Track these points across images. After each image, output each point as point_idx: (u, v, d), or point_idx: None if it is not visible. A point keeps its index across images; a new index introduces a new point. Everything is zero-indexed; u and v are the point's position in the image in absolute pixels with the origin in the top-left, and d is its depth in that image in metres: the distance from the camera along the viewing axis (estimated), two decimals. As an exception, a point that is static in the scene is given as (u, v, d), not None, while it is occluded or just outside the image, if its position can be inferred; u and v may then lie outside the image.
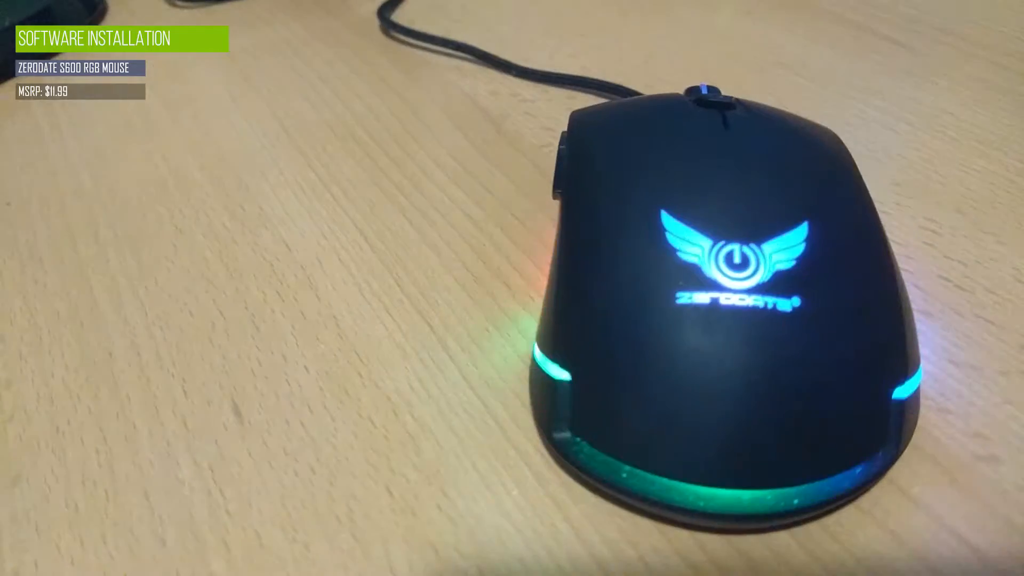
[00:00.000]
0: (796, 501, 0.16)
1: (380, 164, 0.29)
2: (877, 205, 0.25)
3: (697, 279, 0.17)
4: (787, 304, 0.16)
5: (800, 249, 0.17)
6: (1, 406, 0.20)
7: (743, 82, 0.33)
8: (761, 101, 0.29)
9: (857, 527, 0.17)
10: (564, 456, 0.18)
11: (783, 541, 0.17)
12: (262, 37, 0.39)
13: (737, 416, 0.16)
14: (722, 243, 0.17)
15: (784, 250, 0.17)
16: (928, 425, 0.19)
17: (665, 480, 0.16)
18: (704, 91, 0.23)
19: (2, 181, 0.29)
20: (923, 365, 0.20)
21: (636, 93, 0.32)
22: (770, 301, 0.16)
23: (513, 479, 0.18)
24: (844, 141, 0.23)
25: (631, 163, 0.19)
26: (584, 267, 0.18)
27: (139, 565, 0.17)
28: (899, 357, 0.17)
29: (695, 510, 0.16)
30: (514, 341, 0.21)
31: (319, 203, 0.27)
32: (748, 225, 0.17)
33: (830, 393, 0.16)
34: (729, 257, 0.17)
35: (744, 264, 0.17)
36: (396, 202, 0.27)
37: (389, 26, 0.39)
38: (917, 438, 0.19)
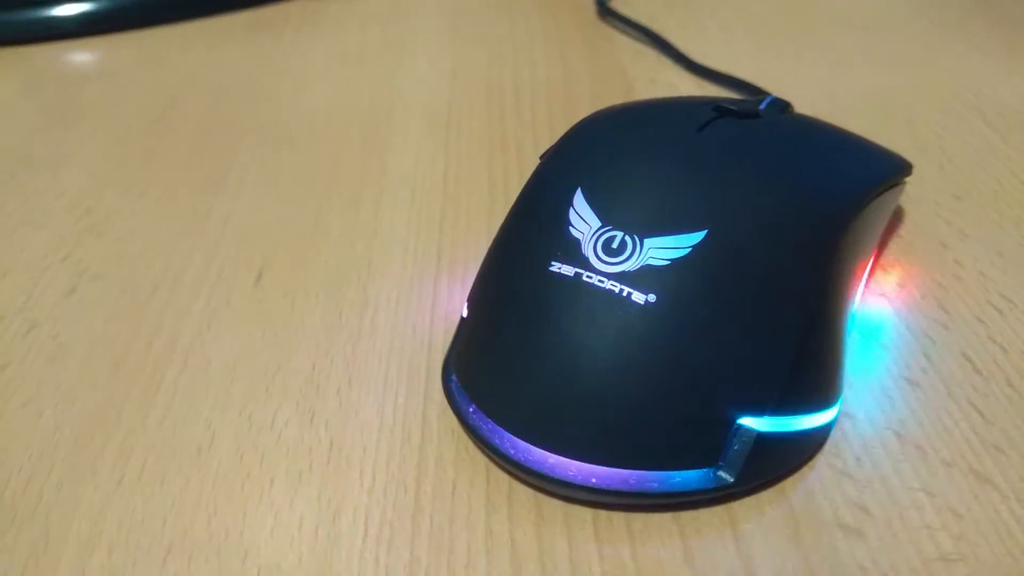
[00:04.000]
0: (594, 480, 0.17)
1: (505, 121, 0.32)
2: (957, 270, 0.23)
3: (572, 253, 0.18)
4: (641, 297, 0.17)
5: (682, 252, 0.17)
6: (110, 228, 0.27)
7: (915, 117, 0.31)
8: (917, 141, 0.28)
9: (658, 534, 0.17)
10: (442, 383, 0.20)
11: (581, 516, 0.17)
12: (490, -2, 0.43)
13: (563, 383, 0.17)
14: (609, 228, 0.18)
15: (665, 249, 0.17)
16: (812, 477, 0.18)
17: (494, 424, 0.18)
18: (767, 101, 0.23)
19: (233, 79, 0.37)
20: (862, 428, 0.19)
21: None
22: (626, 290, 0.17)
23: (407, 390, 0.21)
24: (982, 206, 0.24)
25: (587, 147, 0.20)
26: (507, 223, 0.20)
27: (125, 356, 0.22)
28: (764, 389, 0.17)
29: (507, 457, 0.17)
30: (494, 288, 0.23)
31: (431, 142, 0.31)
32: (644, 219, 0.18)
33: (656, 392, 0.17)
34: (608, 241, 0.17)
35: (619, 251, 0.17)
36: (491, 156, 0.30)
37: (599, 3, 0.41)
38: (791, 484, 0.18)
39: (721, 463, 0.17)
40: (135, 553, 0.17)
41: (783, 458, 0.18)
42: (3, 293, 0.24)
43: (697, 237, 0.17)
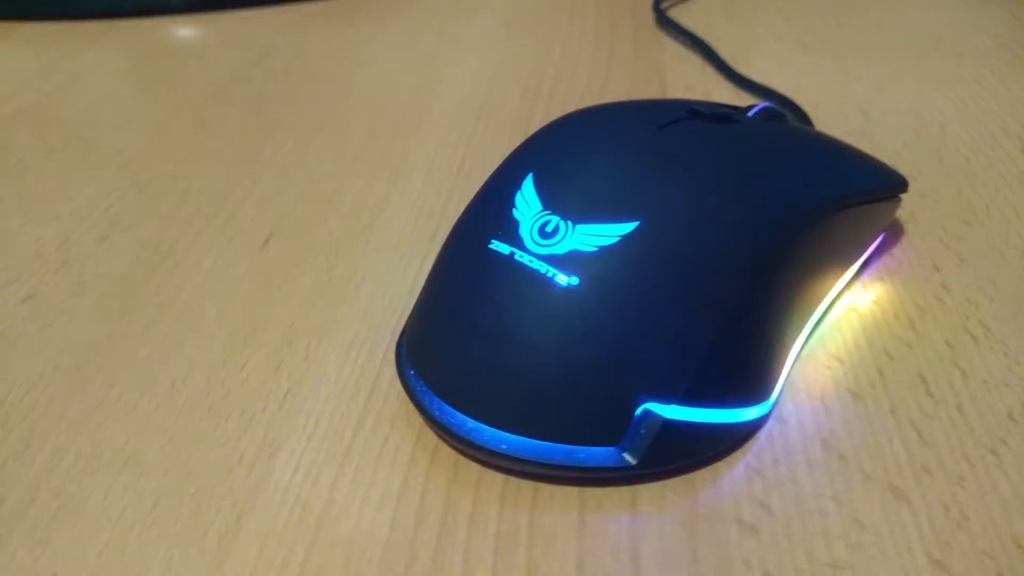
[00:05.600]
0: (504, 447, 0.18)
1: (532, 119, 0.33)
2: (942, 294, 0.23)
3: (510, 233, 0.19)
4: (564, 279, 0.18)
5: (610, 241, 0.18)
6: (151, 186, 0.30)
7: (948, 140, 0.30)
8: (943, 164, 0.29)
9: (560, 505, 0.18)
10: (395, 349, 0.21)
11: (492, 480, 0.18)
12: (561, -1, 0.45)
13: (485, 354, 0.18)
14: (547, 212, 0.19)
15: (594, 236, 0.18)
16: (725, 472, 0.18)
17: (426, 387, 0.19)
18: (756, 109, 0.24)
19: (294, 61, 0.39)
20: (790, 432, 0.20)
21: (810, 123, 0.31)
22: (552, 271, 0.18)
23: (368, 352, 0.22)
24: (990, 234, 0.24)
25: (551, 138, 0.21)
26: (469, 203, 0.21)
27: (134, 298, 0.24)
28: (673, 378, 0.17)
29: (432, 418, 0.19)
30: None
31: (457, 132, 0.32)
32: (581, 206, 0.18)
33: (568, 369, 0.17)
34: (544, 225, 0.18)
35: (552, 235, 0.18)
36: (510, 150, 0.31)
37: (655, 10, 0.42)
38: (701, 476, 0.18)
39: (626, 444, 0.18)
40: (97, 464, 0.19)
41: (690, 448, 0.18)
42: (48, 234, 0.27)
43: (628, 227, 0.18)
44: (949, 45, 0.38)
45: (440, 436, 0.19)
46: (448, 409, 0.18)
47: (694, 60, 0.38)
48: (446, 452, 0.19)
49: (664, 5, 0.42)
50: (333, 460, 0.19)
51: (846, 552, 0.17)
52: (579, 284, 0.18)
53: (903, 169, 0.27)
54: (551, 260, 0.18)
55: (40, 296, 0.24)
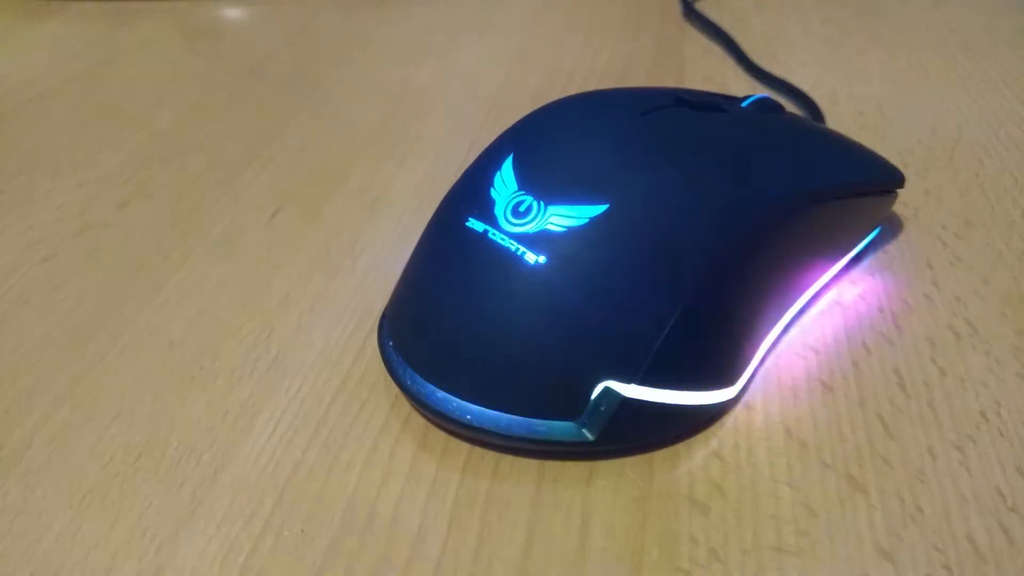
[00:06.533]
0: (468, 417, 0.18)
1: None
2: (932, 291, 0.23)
3: (486, 212, 0.19)
4: (533, 258, 0.18)
5: (580, 222, 0.18)
6: (174, 158, 0.31)
7: (963, 140, 0.30)
8: (954, 163, 0.29)
9: (519, 475, 0.18)
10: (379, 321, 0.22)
11: (457, 448, 0.19)
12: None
13: (454, 327, 0.19)
14: (522, 192, 0.19)
15: (564, 217, 0.18)
16: (684, 452, 0.19)
17: (400, 358, 0.20)
18: (751, 100, 0.24)
19: (326, 42, 0.40)
20: (755, 418, 0.20)
21: (821, 117, 0.31)
22: (521, 250, 0.18)
23: (357, 324, 0.23)
24: (990, 234, 0.24)
25: (537, 121, 0.22)
26: (455, 182, 0.22)
27: (145, 262, 0.26)
28: (632, 358, 0.18)
29: (405, 387, 0.19)
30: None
31: (471, 115, 0.33)
32: (555, 188, 0.19)
33: (531, 345, 0.18)
34: (518, 205, 0.19)
35: (525, 214, 0.19)
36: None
37: (682, 2, 0.42)
38: (661, 455, 0.19)
39: (585, 420, 0.18)
40: (90, 413, 0.20)
41: (649, 428, 0.18)
42: (72, 200, 0.29)
43: (597, 210, 0.18)
44: (981, 47, 0.37)
45: (412, 406, 0.20)
46: (419, 380, 0.19)
47: (717, 52, 0.38)
48: (417, 421, 0.20)
49: (692, -5, 0.42)
50: (310, 422, 0.20)
51: (794, 537, 0.17)
52: (546, 263, 0.18)
53: (912, 167, 0.27)
54: (522, 239, 0.18)
55: (58, 257, 0.26)
